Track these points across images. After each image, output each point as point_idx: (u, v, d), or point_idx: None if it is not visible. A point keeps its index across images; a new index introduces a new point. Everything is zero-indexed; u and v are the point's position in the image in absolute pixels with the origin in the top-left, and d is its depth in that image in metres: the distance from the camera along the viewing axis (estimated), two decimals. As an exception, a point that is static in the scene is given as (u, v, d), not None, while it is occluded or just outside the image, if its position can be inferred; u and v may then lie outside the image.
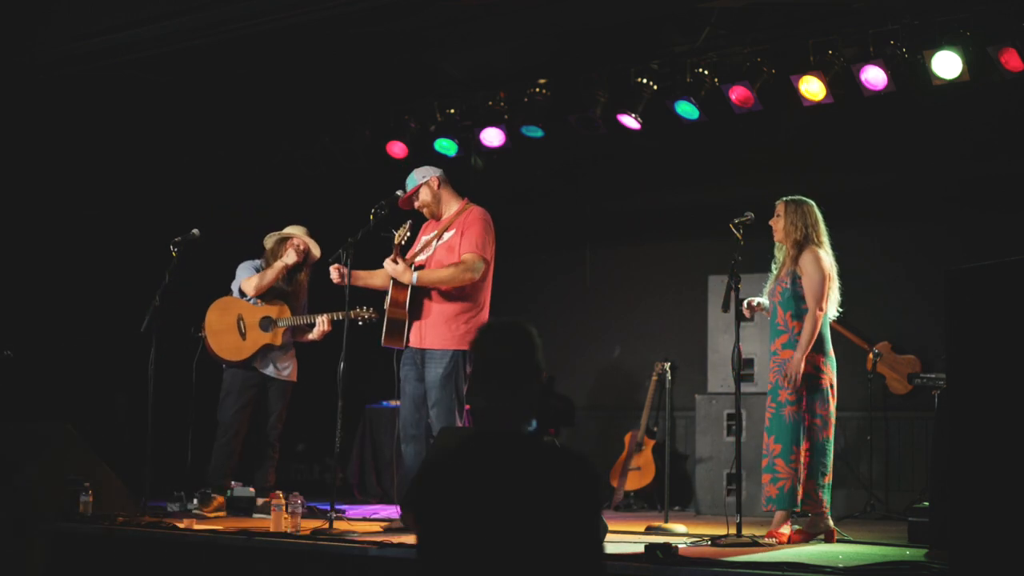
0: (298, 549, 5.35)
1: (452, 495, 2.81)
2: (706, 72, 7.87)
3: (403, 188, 6.54)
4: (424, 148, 8.96)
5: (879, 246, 8.17)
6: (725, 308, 5.73)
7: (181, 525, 5.98)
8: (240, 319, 7.34)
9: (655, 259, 9.14)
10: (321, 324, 7.14)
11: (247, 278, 7.38)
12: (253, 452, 7.40)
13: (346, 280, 6.27)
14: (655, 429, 8.74)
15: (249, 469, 7.47)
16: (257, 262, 7.47)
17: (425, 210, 6.57)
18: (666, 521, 6.60)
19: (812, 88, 7.52)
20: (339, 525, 5.98)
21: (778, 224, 5.96)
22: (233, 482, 7.43)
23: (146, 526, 5.97)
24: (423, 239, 6.58)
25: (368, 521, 6.69)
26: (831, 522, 5.85)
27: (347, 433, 8.43)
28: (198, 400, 7.39)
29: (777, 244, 6.05)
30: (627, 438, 8.67)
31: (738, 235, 5.79)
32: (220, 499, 7.20)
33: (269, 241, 7.50)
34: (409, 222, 6.40)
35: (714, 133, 8.34)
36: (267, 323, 7.29)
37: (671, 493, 7.29)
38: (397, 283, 6.32)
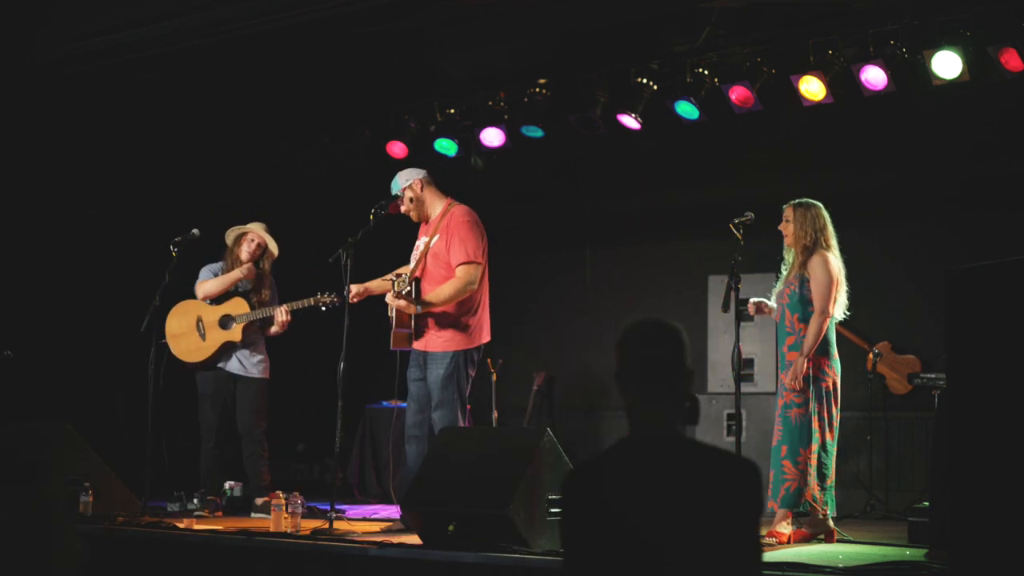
0: (298, 549, 5.35)
1: (610, 501, 2.71)
2: (706, 72, 7.87)
3: (392, 197, 6.46)
4: (424, 148, 8.96)
5: (879, 246, 8.17)
6: (725, 308, 5.73)
7: (181, 525, 5.98)
8: (199, 320, 7.31)
9: (655, 259, 9.14)
10: (280, 315, 7.11)
11: (201, 282, 7.35)
12: (241, 454, 7.39)
13: (346, 289, 6.26)
14: (655, 429, 8.73)
15: (242, 469, 7.47)
16: (218, 265, 7.41)
17: (412, 215, 6.53)
18: (666, 521, 6.59)
19: (812, 88, 7.52)
20: (339, 525, 5.98)
21: (788, 229, 5.98)
22: (231, 482, 7.43)
23: (146, 526, 5.97)
24: (416, 244, 6.56)
25: (368, 521, 6.69)
26: (831, 523, 5.85)
27: (347, 433, 8.42)
28: (172, 407, 7.36)
29: (786, 247, 6.06)
30: (627, 438, 8.66)
31: (738, 235, 5.79)
32: (218, 500, 7.20)
33: (229, 237, 7.44)
34: (406, 277, 6.34)
35: (714, 133, 8.34)
36: (226, 321, 7.25)
37: (671, 493, 7.28)
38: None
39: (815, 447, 5.79)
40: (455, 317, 6.29)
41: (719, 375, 8.20)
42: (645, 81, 8.06)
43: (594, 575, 2.68)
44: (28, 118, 8.64)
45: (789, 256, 6.05)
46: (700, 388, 8.37)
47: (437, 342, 6.29)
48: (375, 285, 6.55)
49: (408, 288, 6.26)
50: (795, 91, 7.57)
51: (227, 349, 7.25)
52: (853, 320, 7.94)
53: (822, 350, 5.83)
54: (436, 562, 4.93)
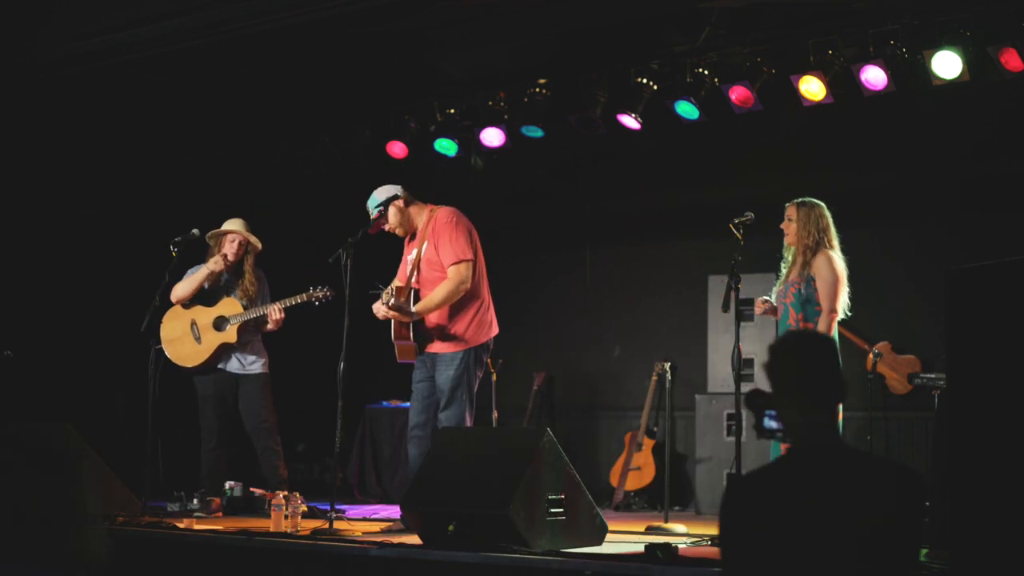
0: (298, 549, 5.35)
1: (778, 512, 2.71)
2: (706, 72, 7.87)
3: (392, 198, 6.39)
4: (424, 148, 8.97)
5: (879, 246, 8.17)
6: (725, 308, 5.72)
7: (181, 525, 5.98)
8: (193, 324, 7.30)
9: (655, 259, 9.14)
10: (273, 312, 7.10)
11: (177, 285, 7.34)
12: (252, 452, 7.39)
13: (346, 290, 6.25)
14: (655, 429, 8.74)
15: (249, 468, 7.46)
16: (200, 267, 7.38)
17: (399, 231, 6.51)
18: (666, 521, 6.59)
19: (812, 88, 7.52)
20: (339, 525, 5.98)
21: (790, 228, 5.97)
22: (231, 482, 7.43)
23: (146, 526, 5.97)
24: (408, 259, 6.53)
25: (368, 521, 6.69)
26: None
27: (347, 433, 8.42)
28: (172, 407, 7.35)
29: (787, 246, 6.05)
30: (627, 438, 8.67)
31: (738, 235, 5.78)
32: (216, 501, 7.19)
33: (211, 240, 7.43)
34: (394, 288, 6.33)
35: (714, 133, 8.34)
36: (220, 322, 7.24)
37: (671, 493, 7.29)
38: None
39: None
40: (459, 316, 6.29)
41: (719, 375, 8.20)
42: (645, 81, 8.06)
43: None
44: (28, 118, 8.64)
45: (789, 255, 6.05)
46: (700, 388, 8.37)
47: (445, 343, 6.30)
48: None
49: (400, 299, 6.25)
50: (795, 91, 7.56)
51: (224, 351, 7.25)
52: (853, 320, 7.95)
53: None
54: (436, 562, 4.93)
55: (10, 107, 8.42)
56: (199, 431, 7.44)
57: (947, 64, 7.08)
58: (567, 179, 9.54)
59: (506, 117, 8.65)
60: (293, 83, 8.84)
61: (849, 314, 6.00)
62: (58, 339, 8.83)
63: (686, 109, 7.98)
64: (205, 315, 7.27)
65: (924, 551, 5.05)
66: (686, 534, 6.20)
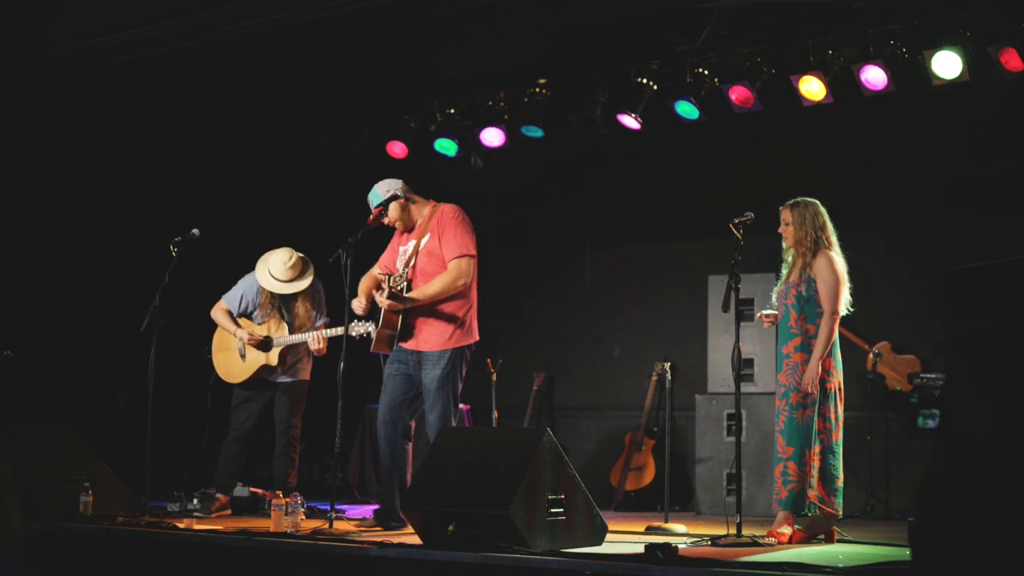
0: (298, 549, 5.34)
1: None
2: (706, 72, 7.87)
3: (392, 198, 6.32)
4: (424, 148, 8.97)
5: (879, 246, 8.17)
6: (725, 308, 5.72)
7: (181, 525, 5.98)
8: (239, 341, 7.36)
9: (655, 259, 9.14)
10: (313, 342, 7.08)
11: (222, 302, 7.38)
12: (271, 454, 7.39)
13: (347, 290, 6.24)
14: (655, 429, 8.74)
15: (250, 468, 7.47)
16: (252, 284, 7.35)
17: (398, 224, 6.47)
18: (666, 521, 6.59)
19: (812, 88, 7.52)
20: (339, 525, 5.98)
21: (788, 231, 5.96)
22: (237, 483, 7.44)
23: (146, 526, 5.97)
24: (401, 249, 6.48)
25: (368, 521, 6.68)
26: (839, 514, 5.83)
27: (347, 433, 8.45)
28: (171, 409, 7.37)
29: (786, 248, 6.05)
30: (627, 438, 8.67)
31: (738, 235, 5.77)
32: (224, 499, 7.20)
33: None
34: (403, 274, 6.30)
35: (714, 133, 8.34)
36: (267, 343, 7.26)
37: (671, 493, 7.29)
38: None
39: (819, 449, 5.77)
40: (450, 314, 6.24)
41: (719, 375, 8.20)
42: (645, 81, 8.06)
43: None
44: (28, 118, 8.64)
45: (789, 256, 6.04)
46: (700, 388, 8.38)
47: (433, 341, 6.22)
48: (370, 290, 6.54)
49: (403, 284, 6.24)
50: (795, 91, 7.57)
51: (267, 370, 7.28)
52: (853, 320, 7.95)
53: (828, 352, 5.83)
54: (436, 562, 4.93)
55: (10, 107, 8.42)
56: (201, 430, 7.44)
57: (947, 64, 7.08)
58: (567, 179, 9.54)
59: (506, 117, 8.65)
60: (293, 83, 8.85)
61: (851, 310, 5.98)
62: (58, 339, 8.84)
63: (686, 109, 7.99)
64: (255, 331, 7.30)
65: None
66: (686, 534, 6.20)
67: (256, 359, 7.26)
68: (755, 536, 5.49)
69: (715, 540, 5.45)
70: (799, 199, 5.99)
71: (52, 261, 9.01)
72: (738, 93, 7.75)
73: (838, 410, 5.84)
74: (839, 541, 5.82)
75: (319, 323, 7.29)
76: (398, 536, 5.62)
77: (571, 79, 8.37)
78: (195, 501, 7.19)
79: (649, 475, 8.44)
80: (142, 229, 8.91)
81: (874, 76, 7.35)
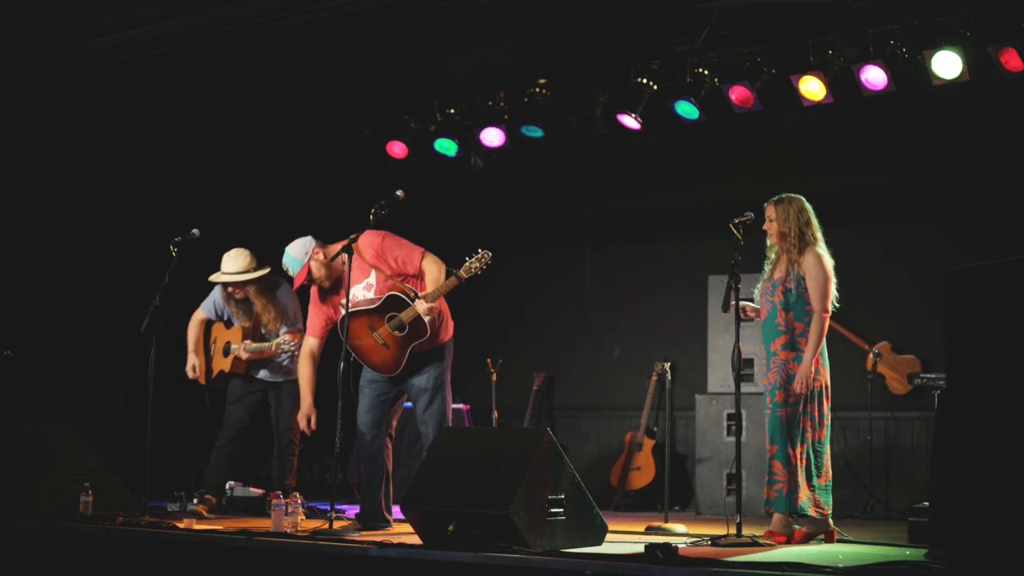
0: (298, 549, 5.34)
1: None
2: (706, 72, 7.87)
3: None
4: (424, 148, 8.97)
5: (879, 246, 8.17)
6: (725, 308, 5.71)
7: (181, 525, 5.98)
8: (213, 341, 7.42)
9: (655, 259, 9.14)
10: (241, 352, 7.12)
11: (198, 311, 7.46)
12: (270, 455, 7.39)
13: (346, 290, 6.24)
14: (655, 429, 8.74)
15: (250, 468, 7.46)
16: (217, 298, 7.41)
17: (325, 283, 6.41)
18: (666, 521, 6.59)
19: (812, 88, 7.52)
20: (339, 525, 5.98)
21: (772, 228, 5.93)
22: (231, 482, 7.43)
23: (146, 526, 5.97)
24: (342, 303, 6.19)
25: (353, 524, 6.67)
26: (831, 522, 5.84)
27: (347, 433, 8.42)
28: (172, 409, 7.39)
29: (770, 245, 6.01)
30: (627, 438, 8.67)
31: (738, 235, 5.76)
32: (213, 500, 7.16)
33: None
34: (486, 254, 6.16)
35: (714, 133, 8.34)
36: (227, 348, 7.31)
37: (671, 493, 7.29)
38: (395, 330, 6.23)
39: (804, 447, 5.74)
40: (439, 313, 6.28)
41: (719, 375, 8.20)
42: (645, 81, 8.06)
43: None
44: (28, 118, 8.65)
45: (772, 253, 6.00)
46: (700, 388, 8.38)
47: (423, 341, 6.24)
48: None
49: (483, 267, 6.14)
50: (795, 91, 7.57)
51: (239, 366, 7.29)
52: (853, 320, 7.96)
53: None
54: (436, 562, 4.93)
55: (10, 107, 8.42)
56: (206, 428, 7.44)
57: (947, 64, 7.08)
58: (567, 179, 9.54)
59: (506, 117, 8.65)
60: (293, 83, 8.85)
61: (837, 305, 5.94)
62: (58, 339, 8.84)
63: (686, 109, 7.99)
64: (223, 336, 7.38)
65: (924, 551, 5.06)
66: (686, 534, 6.20)
67: (219, 363, 7.34)
68: (755, 536, 5.49)
69: (715, 540, 5.45)
70: (783, 195, 5.96)
71: (52, 261, 9.01)
72: (738, 93, 7.75)
73: (824, 408, 5.81)
74: (839, 541, 5.81)
75: (284, 332, 7.24)
76: (397, 536, 5.62)
77: (571, 79, 8.37)
78: (195, 501, 7.19)
79: (649, 475, 8.44)
80: (142, 229, 8.91)
81: (874, 76, 7.35)
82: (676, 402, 8.66)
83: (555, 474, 5.20)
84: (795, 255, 5.85)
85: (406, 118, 8.98)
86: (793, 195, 5.95)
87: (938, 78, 7.15)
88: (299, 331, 7.17)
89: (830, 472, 5.84)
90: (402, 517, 5.63)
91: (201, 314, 7.47)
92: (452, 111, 8.88)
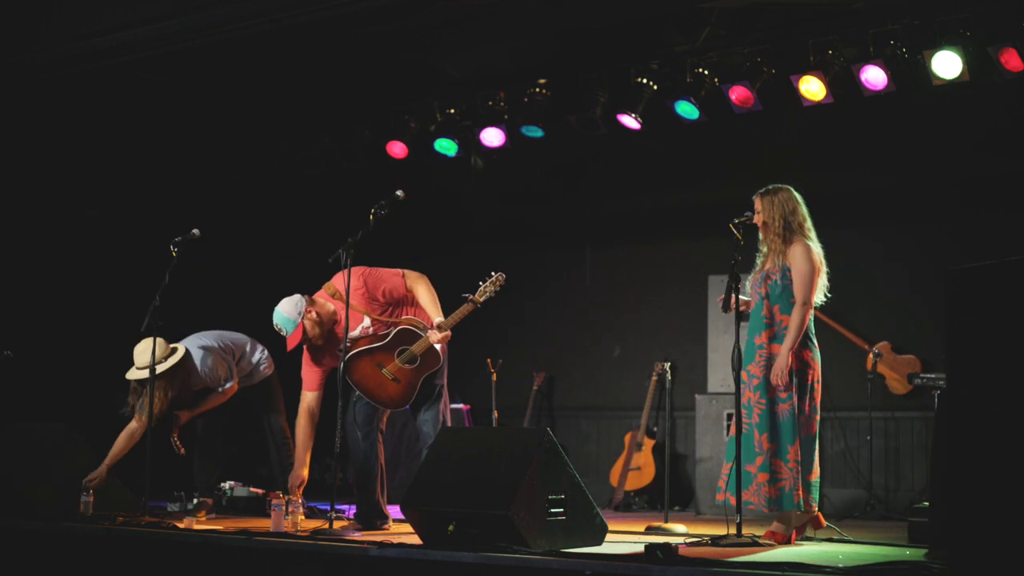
0: (298, 549, 5.35)
1: None
2: (706, 72, 7.87)
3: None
4: (424, 148, 8.97)
5: (879, 246, 8.18)
6: (726, 309, 5.69)
7: (181, 525, 5.99)
8: None
9: (655, 259, 9.15)
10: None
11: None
12: (252, 452, 7.38)
13: (347, 291, 6.24)
14: (655, 429, 8.74)
15: (250, 468, 7.46)
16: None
17: (319, 341, 6.38)
18: (666, 521, 6.59)
19: (812, 88, 7.53)
20: (339, 525, 5.98)
21: (760, 220, 5.90)
22: (231, 482, 7.42)
23: (146, 526, 5.97)
24: (341, 349, 6.12)
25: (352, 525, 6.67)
26: (815, 511, 5.78)
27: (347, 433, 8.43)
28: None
29: (762, 239, 5.98)
30: (627, 438, 8.67)
31: (738, 235, 5.74)
32: (208, 502, 7.15)
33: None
34: (500, 276, 6.20)
35: (714, 133, 8.34)
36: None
37: (671, 493, 7.29)
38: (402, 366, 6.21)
39: (799, 443, 5.71)
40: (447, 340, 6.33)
41: (719, 375, 8.20)
42: (645, 81, 8.06)
43: None
44: (28, 118, 8.64)
45: (764, 246, 5.98)
46: (700, 388, 8.38)
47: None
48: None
49: (495, 290, 6.17)
50: (795, 91, 7.57)
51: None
52: (853, 320, 7.96)
53: (804, 342, 5.75)
54: (436, 562, 4.93)
55: (10, 107, 8.42)
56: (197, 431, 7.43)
57: (947, 64, 7.08)
58: (567, 179, 9.54)
59: (506, 117, 8.65)
60: (293, 83, 8.85)
61: (829, 296, 5.91)
62: (58, 339, 8.83)
63: (686, 109, 7.99)
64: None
65: (924, 551, 5.06)
66: (686, 534, 6.20)
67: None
68: (755, 536, 5.48)
69: (715, 540, 5.45)
70: (771, 186, 5.91)
71: (52, 261, 9.01)
72: (738, 93, 7.75)
73: (815, 403, 5.77)
74: (839, 541, 5.80)
75: (221, 389, 7.08)
76: (397, 536, 5.62)
77: (571, 79, 8.37)
78: (195, 501, 7.18)
79: (649, 475, 8.44)
80: (142, 229, 8.90)
81: (874, 76, 7.36)
82: (676, 402, 8.66)
83: (555, 474, 5.20)
84: (780, 245, 5.79)
85: (406, 118, 8.98)
86: (781, 185, 5.89)
87: (938, 78, 7.15)
88: (233, 387, 7.08)
89: (819, 468, 5.81)
90: (402, 517, 5.63)
91: (137, 423, 6.94)
92: (452, 111, 8.88)
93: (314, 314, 6.33)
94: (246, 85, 8.80)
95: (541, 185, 9.60)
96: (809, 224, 5.85)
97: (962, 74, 7.09)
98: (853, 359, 7.96)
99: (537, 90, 8.42)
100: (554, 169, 9.46)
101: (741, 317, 5.78)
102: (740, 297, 5.88)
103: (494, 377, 8.52)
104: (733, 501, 5.56)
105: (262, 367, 7.31)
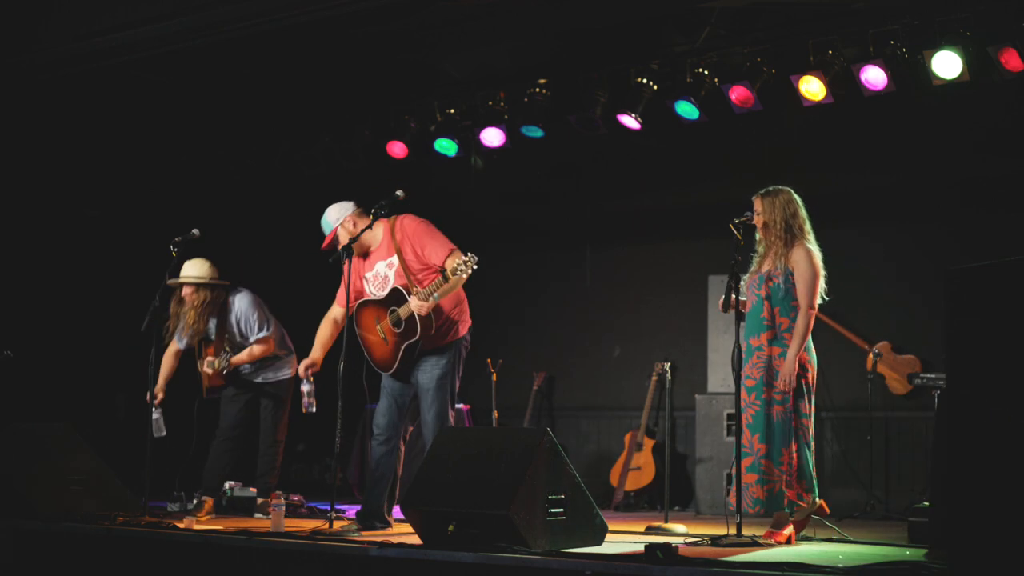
0: (298, 549, 5.35)
1: None
2: (706, 72, 7.87)
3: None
4: (424, 148, 8.97)
5: (879, 246, 8.17)
6: (725, 309, 5.70)
7: (181, 525, 5.99)
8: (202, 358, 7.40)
9: (655, 259, 9.14)
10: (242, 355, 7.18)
11: (174, 342, 7.38)
12: (256, 456, 7.38)
13: (347, 290, 6.24)
14: (655, 429, 8.74)
15: (249, 468, 7.47)
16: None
17: (355, 250, 6.35)
18: (666, 521, 6.59)
19: (812, 88, 7.52)
20: (339, 525, 5.99)
21: (759, 221, 5.89)
22: (231, 482, 7.42)
23: (146, 526, 5.97)
24: (368, 275, 6.32)
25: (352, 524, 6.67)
26: (818, 500, 5.77)
27: (347, 433, 8.44)
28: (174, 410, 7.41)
29: (759, 240, 5.97)
30: (627, 438, 8.67)
31: (738, 235, 5.74)
32: (210, 502, 7.14)
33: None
34: (470, 258, 6.04)
35: (714, 133, 8.34)
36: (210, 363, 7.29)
37: (671, 493, 7.29)
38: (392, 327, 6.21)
39: (796, 447, 5.70)
40: (447, 313, 6.23)
41: (719, 375, 8.20)
42: (645, 81, 8.06)
43: None
44: (28, 118, 8.65)
45: (761, 247, 5.97)
46: (700, 388, 8.38)
47: (431, 339, 6.20)
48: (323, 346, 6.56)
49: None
50: (795, 91, 7.57)
51: (232, 376, 7.32)
52: (853, 320, 7.96)
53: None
54: (436, 562, 4.93)
55: (10, 107, 8.43)
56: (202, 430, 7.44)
57: (947, 64, 7.08)
58: (567, 179, 9.54)
59: (506, 117, 8.65)
60: (293, 83, 8.85)
61: (826, 298, 5.91)
62: (58, 339, 8.84)
63: (686, 109, 7.99)
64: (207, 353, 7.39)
65: (924, 551, 5.06)
66: (686, 534, 6.20)
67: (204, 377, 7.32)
68: (755, 536, 5.48)
69: (715, 540, 5.45)
70: (771, 187, 5.91)
71: (52, 261, 9.01)
72: (738, 93, 7.75)
73: (811, 405, 5.77)
74: (838, 541, 5.81)
75: (253, 339, 7.21)
76: (397, 536, 5.62)
77: (571, 79, 8.37)
78: (195, 501, 7.18)
79: (649, 475, 8.44)
80: (142, 229, 8.91)
81: (874, 76, 7.36)
82: (676, 402, 8.66)
83: (555, 474, 5.20)
84: (781, 247, 5.79)
85: (406, 118, 8.98)
86: (781, 187, 5.90)
87: (938, 78, 7.15)
88: (268, 339, 7.18)
89: (815, 467, 5.81)
90: (402, 517, 5.63)
91: (175, 346, 7.34)
92: (452, 111, 8.88)
93: (352, 225, 6.35)
94: (246, 85, 8.80)
95: (541, 185, 9.59)
96: (809, 227, 5.85)
97: (962, 74, 7.09)
98: (853, 359, 7.96)
99: (537, 90, 8.42)
100: (554, 169, 9.46)
101: (741, 317, 5.78)
102: (740, 297, 5.88)
103: (494, 377, 8.52)
104: (733, 501, 5.56)
105: (289, 359, 7.36)
